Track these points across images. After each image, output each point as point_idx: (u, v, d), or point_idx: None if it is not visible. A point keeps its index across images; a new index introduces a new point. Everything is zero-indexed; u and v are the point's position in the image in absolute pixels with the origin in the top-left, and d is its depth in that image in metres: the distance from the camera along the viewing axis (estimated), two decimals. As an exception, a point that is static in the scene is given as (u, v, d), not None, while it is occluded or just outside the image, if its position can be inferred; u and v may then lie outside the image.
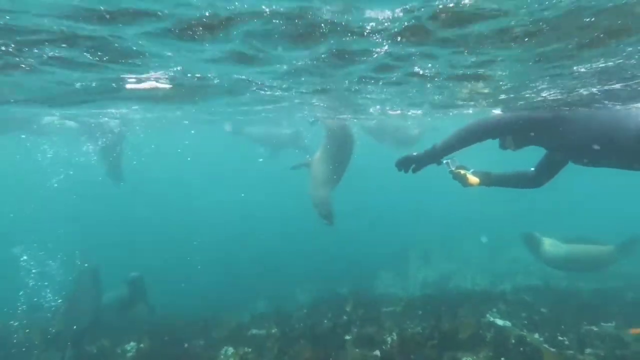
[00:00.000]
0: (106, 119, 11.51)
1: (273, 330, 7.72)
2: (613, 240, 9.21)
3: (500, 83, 5.71)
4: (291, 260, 16.13)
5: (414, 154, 4.25)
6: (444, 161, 4.47)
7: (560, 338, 6.83)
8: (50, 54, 4.34)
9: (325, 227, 8.18)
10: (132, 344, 7.69)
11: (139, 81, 5.92)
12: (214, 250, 18.37)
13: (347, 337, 7.12)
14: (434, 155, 4.20)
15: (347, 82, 6.00)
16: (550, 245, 9.25)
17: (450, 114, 9.40)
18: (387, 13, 3.26)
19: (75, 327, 7.82)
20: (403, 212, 26.19)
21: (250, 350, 7.15)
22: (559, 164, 4.18)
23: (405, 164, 4.27)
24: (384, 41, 3.93)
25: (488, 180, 4.50)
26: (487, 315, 8.21)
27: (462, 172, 4.52)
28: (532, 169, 4.30)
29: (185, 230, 22.20)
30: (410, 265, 15.51)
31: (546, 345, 6.68)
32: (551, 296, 9.62)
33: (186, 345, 7.29)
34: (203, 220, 25.10)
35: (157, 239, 20.96)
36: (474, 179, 4.49)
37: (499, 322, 7.91)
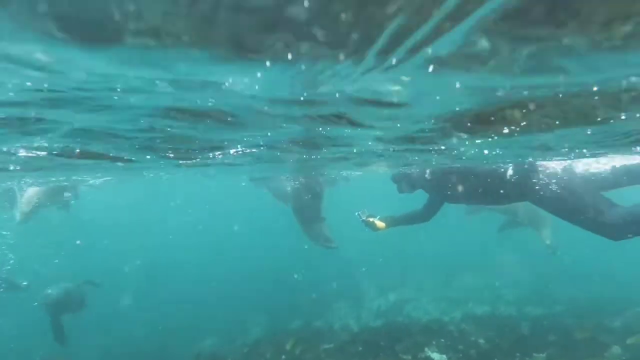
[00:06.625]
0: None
1: (200, 377, 7.33)
2: None
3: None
4: (249, 292, 15.72)
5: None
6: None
7: (490, 373, 6.77)
8: None
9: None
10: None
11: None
12: (172, 284, 17.72)
13: (277, 381, 6.83)
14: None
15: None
16: None
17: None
18: None
19: None
20: (361, 241, 26.15)
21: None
22: (438, 203, 5.36)
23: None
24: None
25: (393, 222, 5.48)
26: (426, 349, 8.10)
27: (371, 219, 5.47)
28: (421, 208, 5.44)
29: (143, 264, 21.38)
30: (366, 294, 15.35)
31: (476, 382, 6.61)
32: (494, 325, 9.61)
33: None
34: (163, 254, 24.28)
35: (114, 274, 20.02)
36: (381, 224, 5.46)
37: (436, 356, 7.80)
